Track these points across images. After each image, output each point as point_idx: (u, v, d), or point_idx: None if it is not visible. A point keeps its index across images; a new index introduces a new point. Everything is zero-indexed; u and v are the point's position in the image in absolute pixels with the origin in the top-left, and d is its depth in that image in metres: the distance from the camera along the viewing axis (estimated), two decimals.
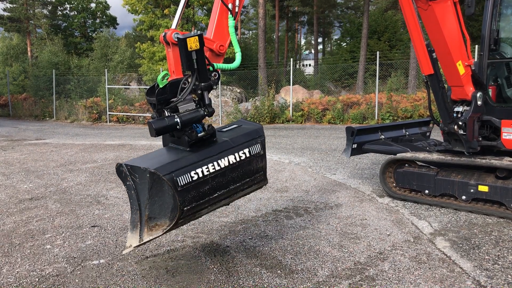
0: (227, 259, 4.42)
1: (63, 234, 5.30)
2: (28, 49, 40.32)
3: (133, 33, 45.76)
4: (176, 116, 3.60)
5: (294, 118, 19.35)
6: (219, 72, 3.93)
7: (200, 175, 3.55)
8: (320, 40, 56.85)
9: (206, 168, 3.60)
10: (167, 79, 3.71)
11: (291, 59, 21.42)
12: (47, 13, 43.87)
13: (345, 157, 8.15)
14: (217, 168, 3.68)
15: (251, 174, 3.99)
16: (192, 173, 3.51)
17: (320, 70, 34.72)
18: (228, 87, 24.41)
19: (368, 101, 18.84)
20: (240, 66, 4.33)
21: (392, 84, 22.78)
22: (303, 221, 5.60)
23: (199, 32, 3.71)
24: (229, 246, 4.76)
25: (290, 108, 19.73)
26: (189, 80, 3.71)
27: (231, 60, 4.19)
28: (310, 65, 64.43)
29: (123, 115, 22.51)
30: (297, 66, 55.60)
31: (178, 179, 3.43)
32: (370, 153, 7.65)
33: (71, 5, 44.47)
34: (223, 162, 3.71)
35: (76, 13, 44.04)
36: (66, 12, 44.81)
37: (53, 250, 4.80)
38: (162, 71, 3.74)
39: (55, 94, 25.78)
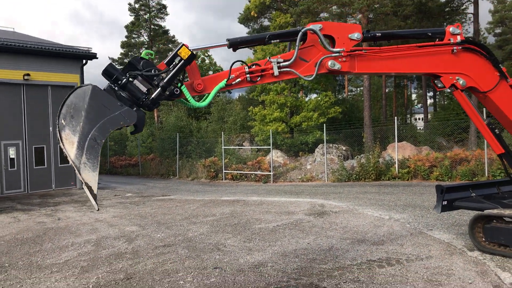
0: None
1: (192, 273, 6.59)
2: (155, 114, 45.41)
3: (246, 96, 49.33)
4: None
5: (400, 175, 19.55)
6: (181, 91, 4.38)
7: None
8: (431, 94, 55.73)
9: None
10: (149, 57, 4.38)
11: (395, 117, 21.86)
12: None
13: (438, 213, 8.57)
14: None
15: None
16: None
17: (430, 126, 34.18)
18: (334, 145, 25.33)
19: (478, 157, 18.47)
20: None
21: (505, 139, 21.91)
22: (393, 269, 6.29)
23: (198, 54, 4.53)
24: (325, 287, 5.64)
25: (396, 165, 20.01)
26: (164, 75, 4.29)
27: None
28: (421, 119, 62.99)
29: (237, 173, 24.44)
30: (407, 121, 54.80)
31: None
32: (470, 211, 8.04)
33: None
34: None
35: None
36: None
37: (185, 285, 6.08)
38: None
39: (178, 155, 28.79)
